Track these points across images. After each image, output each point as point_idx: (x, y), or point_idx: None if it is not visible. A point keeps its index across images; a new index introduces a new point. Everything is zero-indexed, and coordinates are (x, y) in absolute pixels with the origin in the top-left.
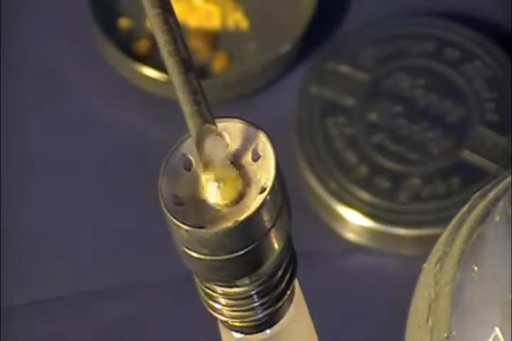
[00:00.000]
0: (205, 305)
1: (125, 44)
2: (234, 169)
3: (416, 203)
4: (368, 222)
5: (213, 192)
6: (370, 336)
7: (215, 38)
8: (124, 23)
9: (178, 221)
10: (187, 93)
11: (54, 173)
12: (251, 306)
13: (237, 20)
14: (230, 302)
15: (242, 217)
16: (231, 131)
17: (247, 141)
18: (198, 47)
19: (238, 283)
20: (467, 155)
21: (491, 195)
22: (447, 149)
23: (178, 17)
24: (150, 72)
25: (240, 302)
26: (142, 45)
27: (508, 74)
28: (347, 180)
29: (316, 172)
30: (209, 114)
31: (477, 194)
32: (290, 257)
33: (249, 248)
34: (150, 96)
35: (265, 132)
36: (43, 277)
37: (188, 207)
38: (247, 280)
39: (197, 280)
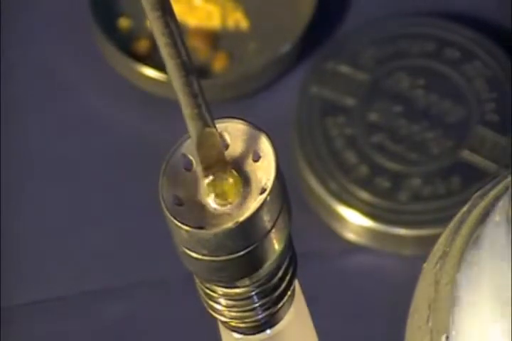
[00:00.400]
0: (206, 305)
1: (125, 44)
2: (234, 169)
3: (416, 203)
4: (367, 222)
5: (213, 193)
6: (370, 336)
7: (215, 38)
8: (124, 23)
9: (179, 221)
10: (187, 96)
11: (54, 173)
12: (251, 307)
13: (237, 20)
14: (230, 302)
15: (243, 218)
16: (231, 131)
17: (248, 141)
18: (198, 47)
19: (238, 283)
20: (467, 155)
21: (491, 194)
22: (447, 149)
23: (178, 17)
24: (150, 72)
25: (240, 302)
26: (142, 45)
27: (508, 74)
28: (347, 180)
29: (316, 172)
30: (209, 117)
31: (477, 194)
32: (290, 258)
33: (250, 248)
34: (150, 96)
35: (265, 132)
36: (43, 277)
37: (188, 207)
38: (247, 281)
39: (197, 280)
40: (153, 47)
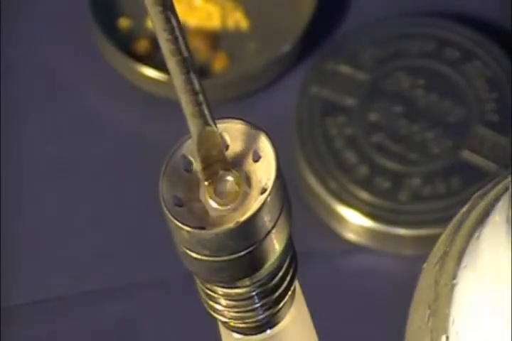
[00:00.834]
0: (206, 305)
1: (125, 44)
2: (234, 169)
3: (416, 203)
4: (367, 222)
5: (214, 192)
6: (370, 336)
7: (215, 38)
8: (124, 23)
9: (179, 222)
10: (188, 93)
11: (54, 173)
12: (252, 307)
13: (237, 20)
14: (231, 303)
15: (243, 218)
16: (231, 131)
17: (248, 141)
18: (198, 47)
19: (239, 284)
20: (467, 155)
21: (491, 194)
22: (447, 149)
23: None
24: (150, 72)
25: (240, 303)
26: (142, 45)
27: (508, 74)
28: (347, 180)
29: (316, 172)
30: (210, 115)
31: (477, 194)
32: (291, 257)
33: (250, 249)
34: (150, 96)
35: (265, 132)
36: (43, 277)
37: (188, 208)
38: (247, 281)
39: (197, 281)
40: (153, 47)
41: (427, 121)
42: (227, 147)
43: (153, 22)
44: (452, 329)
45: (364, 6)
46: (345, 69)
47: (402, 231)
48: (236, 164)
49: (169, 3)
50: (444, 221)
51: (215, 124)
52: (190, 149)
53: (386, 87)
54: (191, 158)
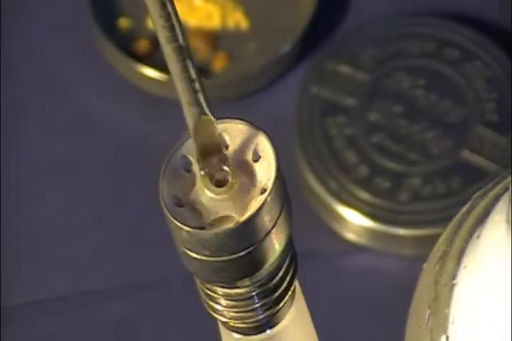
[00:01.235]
0: (206, 306)
1: (125, 44)
2: (234, 169)
3: (416, 203)
4: (368, 222)
5: (214, 193)
6: (370, 336)
7: (215, 38)
8: (124, 23)
9: (179, 222)
10: (184, 81)
11: (54, 173)
12: (252, 307)
13: (237, 20)
14: (231, 303)
15: (243, 218)
16: (231, 131)
17: (247, 141)
18: (198, 47)
19: (239, 284)
20: (467, 155)
21: (491, 194)
22: (447, 149)
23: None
24: (150, 72)
25: (240, 303)
26: (142, 45)
27: (508, 74)
28: (347, 180)
29: (316, 172)
30: (206, 103)
31: (477, 194)
32: (291, 257)
33: (250, 249)
34: (150, 96)
35: (265, 132)
36: (43, 277)
37: (188, 208)
38: (247, 281)
39: (197, 281)
40: (153, 47)
41: (427, 121)
42: (227, 147)
43: (150, 9)
44: (452, 329)
45: (364, 6)
46: (345, 69)
47: (402, 231)
48: (236, 164)
49: None
50: (444, 221)
51: (212, 113)
52: (190, 149)
53: (386, 87)
54: (191, 158)
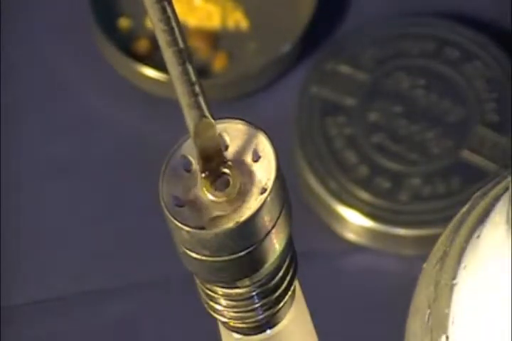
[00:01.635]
0: (206, 306)
1: (125, 44)
2: (234, 169)
3: (416, 203)
4: (368, 222)
5: (214, 193)
6: (370, 336)
7: (215, 38)
8: (124, 23)
9: (179, 222)
10: (184, 84)
11: (54, 173)
12: (252, 307)
13: (237, 20)
14: (231, 303)
15: (243, 218)
16: (231, 131)
17: (247, 141)
18: (198, 47)
19: (239, 284)
20: (467, 155)
21: (491, 194)
22: (447, 149)
23: (178, 17)
24: (150, 72)
25: (240, 303)
26: (142, 45)
27: (508, 74)
28: (347, 180)
29: (316, 172)
30: (206, 106)
31: (477, 194)
32: (291, 257)
33: (250, 249)
34: (150, 96)
35: (265, 132)
36: (43, 277)
37: (188, 208)
38: (247, 281)
39: (197, 281)
40: (153, 47)
41: (427, 121)
42: (226, 147)
43: (149, 13)
44: (452, 329)
45: (364, 6)
46: (345, 69)
47: (402, 231)
48: (236, 164)
49: None
50: (444, 221)
51: (212, 116)
52: (190, 149)
53: (386, 87)
54: (191, 158)
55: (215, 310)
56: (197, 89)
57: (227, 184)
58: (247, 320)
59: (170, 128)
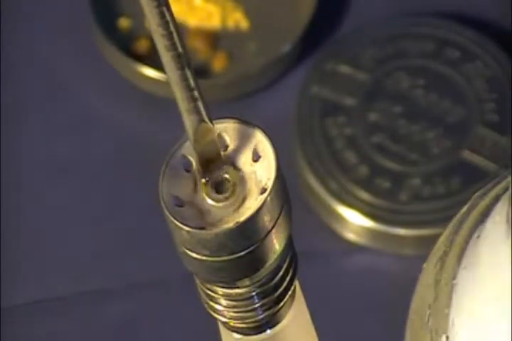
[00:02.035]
0: (206, 306)
1: (125, 44)
2: (234, 170)
3: (416, 203)
4: (368, 222)
5: (214, 193)
6: (370, 336)
7: (215, 38)
8: (124, 23)
9: (179, 222)
10: (183, 89)
11: (54, 173)
12: (252, 307)
13: (237, 20)
14: (231, 303)
15: (243, 218)
16: (231, 131)
17: (247, 141)
18: (198, 47)
19: (239, 284)
20: (467, 155)
21: (491, 194)
22: (447, 149)
23: (178, 17)
24: (150, 72)
25: (240, 303)
26: (142, 45)
27: (508, 74)
28: (347, 180)
29: (316, 172)
30: (206, 111)
31: (477, 194)
32: (291, 257)
33: (250, 249)
34: (150, 96)
35: (265, 132)
36: (43, 277)
37: (188, 208)
38: (247, 281)
39: (197, 281)
40: (154, 47)
41: (427, 121)
42: (226, 147)
43: (148, 17)
44: (452, 329)
45: (364, 6)
46: (345, 69)
47: (402, 231)
48: (236, 164)
49: None
50: (444, 221)
51: (211, 121)
52: (190, 149)
53: (386, 87)
54: (191, 158)
55: (215, 310)
56: (196, 94)
57: (227, 189)
58: (247, 320)
59: (170, 128)
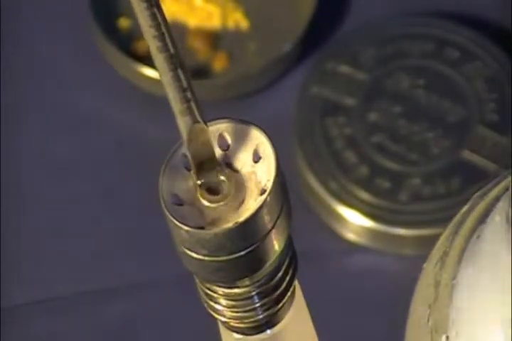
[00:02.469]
0: (206, 306)
1: (125, 44)
2: (231, 170)
3: (416, 203)
4: (368, 222)
5: (210, 199)
6: (370, 336)
7: (215, 38)
8: (124, 23)
9: (179, 221)
10: (176, 90)
11: (54, 173)
12: (251, 307)
13: (237, 20)
14: (231, 303)
15: (243, 218)
16: (231, 132)
17: (248, 141)
18: (198, 47)
19: (238, 283)
20: (467, 155)
21: (491, 195)
22: (447, 149)
23: (179, 17)
24: (150, 72)
25: (240, 303)
26: (142, 45)
27: (508, 74)
28: (347, 180)
29: (316, 172)
30: (199, 111)
31: (477, 194)
32: (291, 258)
33: (250, 249)
34: (150, 96)
35: (265, 132)
36: (43, 277)
37: (188, 207)
38: (247, 281)
39: (197, 280)
40: None
41: (427, 121)
42: (227, 147)
43: (139, 19)
44: (452, 329)
45: (364, 6)
46: (345, 69)
47: (402, 231)
48: (236, 164)
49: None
50: (444, 221)
51: (205, 122)
52: None
53: (386, 87)
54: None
55: (215, 310)
56: (189, 95)
57: (222, 190)
58: (246, 320)
59: (170, 128)
